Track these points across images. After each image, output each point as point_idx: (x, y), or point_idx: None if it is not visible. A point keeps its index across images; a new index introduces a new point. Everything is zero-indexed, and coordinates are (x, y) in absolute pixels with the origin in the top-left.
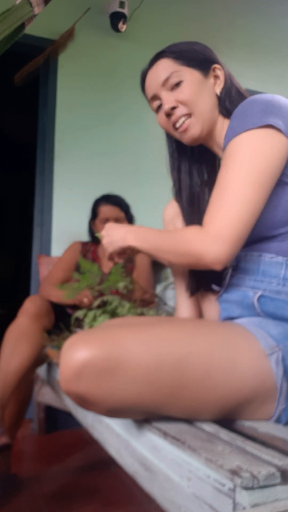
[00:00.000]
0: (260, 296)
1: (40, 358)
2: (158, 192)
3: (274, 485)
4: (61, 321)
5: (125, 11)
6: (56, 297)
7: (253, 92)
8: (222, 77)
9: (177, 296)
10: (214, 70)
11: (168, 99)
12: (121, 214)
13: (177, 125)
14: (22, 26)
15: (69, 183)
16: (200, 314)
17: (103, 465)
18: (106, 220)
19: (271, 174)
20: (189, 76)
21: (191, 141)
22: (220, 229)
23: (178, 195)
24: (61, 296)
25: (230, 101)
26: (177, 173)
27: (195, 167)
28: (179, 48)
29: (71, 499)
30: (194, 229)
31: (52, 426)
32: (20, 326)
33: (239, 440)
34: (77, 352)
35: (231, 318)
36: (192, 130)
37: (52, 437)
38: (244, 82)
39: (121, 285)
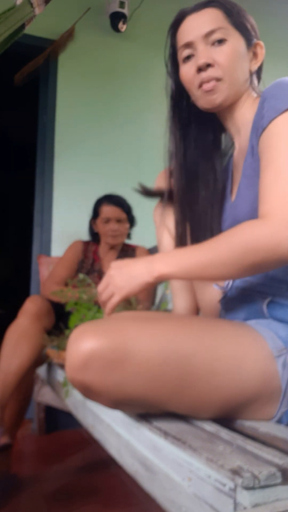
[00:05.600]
0: (270, 302)
1: (40, 358)
2: None
3: (275, 485)
4: (61, 321)
5: (125, 11)
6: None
7: None
8: (261, 57)
9: (175, 294)
10: (256, 46)
11: (206, 54)
12: (123, 215)
13: (205, 85)
14: (22, 26)
15: (69, 183)
16: (196, 310)
17: (103, 465)
18: (108, 220)
19: None
20: (235, 39)
21: (210, 106)
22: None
23: (178, 171)
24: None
25: (257, 81)
26: (179, 145)
27: (200, 140)
28: (233, 5)
29: (71, 499)
30: (251, 223)
31: (52, 426)
32: (20, 326)
33: (239, 440)
34: (85, 342)
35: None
36: (217, 93)
37: (52, 437)
38: None
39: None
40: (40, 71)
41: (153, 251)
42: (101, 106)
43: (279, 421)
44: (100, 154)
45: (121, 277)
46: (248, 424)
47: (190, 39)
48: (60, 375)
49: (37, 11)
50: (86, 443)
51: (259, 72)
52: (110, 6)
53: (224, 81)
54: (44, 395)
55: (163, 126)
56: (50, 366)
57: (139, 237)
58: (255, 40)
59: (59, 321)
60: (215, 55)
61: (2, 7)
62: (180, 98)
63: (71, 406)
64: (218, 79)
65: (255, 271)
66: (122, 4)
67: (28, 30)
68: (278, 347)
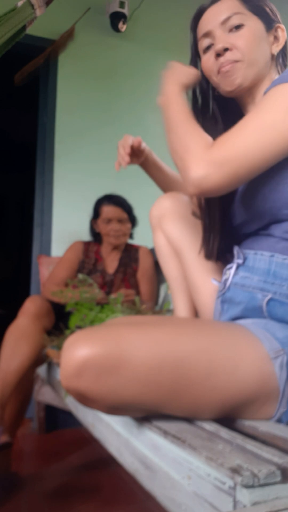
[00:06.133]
0: (270, 300)
1: (40, 358)
2: (159, 192)
3: (274, 483)
4: (61, 321)
5: (125, 11)
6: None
7: None
8: (282, 40)
9: (174, 295)
10: (276, 29)
11: (223, 38)
12: (124, 215)
13: (223, 68)
14: (23, 27)
15: (69, 183)
16: (196, 312)
17: (103, 463)
18: (109, 220)
19: None
20: (252, 23)
21: (230, 88)
22: (215, 153)
23: None
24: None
25: (282, 65)
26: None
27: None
28: None
29: (71, 497)
30: (202, 144)
31: (52, 425)
32: (20, 326)
33: (239, 439)
34: (79, 350)
35: (234, 319)
36: (236, 74)
37: (52, 436)
38: None
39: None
40: (40, 71)
41: (154, 251)
42: (101, 106)
43: (278, 421)
44: (100, 153)
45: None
46: (248, 423)
47: (208, 28)
48: (60, 375)
49: (38, 12)
50: (86, 441)
51: (284, 56)
52: (110, 6)
53: (243, 62)
54: (44, 395)
55: (163, 126)
56: (50, 366)
57: (141, 237)
58: (275, 24)
59: (59, 321)
60: (233, 40)
61: (3, 9)
62: (204, 94)
63: (71, 405)
64: (236, 61)
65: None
66: (122, 4)
67: (28, 30)
68: (274, 349)
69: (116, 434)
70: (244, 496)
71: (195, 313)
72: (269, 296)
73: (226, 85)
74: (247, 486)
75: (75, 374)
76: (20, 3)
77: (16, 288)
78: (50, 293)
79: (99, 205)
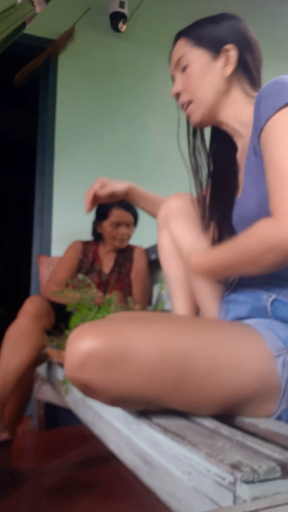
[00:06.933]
0: (274, 300)
1: (40, 358)
2: (159, 191)
3: (274, 479)
4: (61, 321)
5: (125, 11)
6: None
7: None
8: (233, 58)
9: (173, 295)
10: (226, 51)
11: (176, 84)
12: (132, 219)
13: (184, 110)
14: (23, 24)
15: (69, 183)
16: (196, 310)
17: (103, 459)
18: (118, 224)
19: None
20: (196, 59)
21: (195, 125)
22: None
23: (209, 182)
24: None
25: (246, 79)
26: (203, 159)
27: (218, 153)
28: (195, 26)
29: (71, 492)
30: (264, 224)
31: (52, 423)
32: (20, 326)
33: (239, 436)
34: (84, 342)
35: (239, 319)
36: (193, 116)
37: (52, 433)
38: None
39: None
40: (40, 71)
41: (150, 251)
42: (101, 106)
43: (279, 418)
44: (100, 154)
45: None
46: (247, 420)
47: (171, 73)
48: (60, 374)
49: (37, 9)
50: (86, 438)
51: (246, 69)
52: (110, 6)
53: (194, 102)
54: (44, 393)
55: (163, 126)
56: (50, 365)
57: (136, 237)
58: (223, 46)
59: (59, 321)
60: (184, 81)
61: (3, 6)
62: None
63: (71, 403)
64: (189, 102)
65: (279, 267)
66: (122, 4)
67: (28, 30)
68: (277, 347)
69: (116, 431)
70: (244, 491)
71: (195, 313)
72: (273, 296)
73: (192, 123)
74: (247, 482)
75: (80, 366)
76: (19, 0)
77: (16, 288)
78: (51, 293)
79: (108, 207)
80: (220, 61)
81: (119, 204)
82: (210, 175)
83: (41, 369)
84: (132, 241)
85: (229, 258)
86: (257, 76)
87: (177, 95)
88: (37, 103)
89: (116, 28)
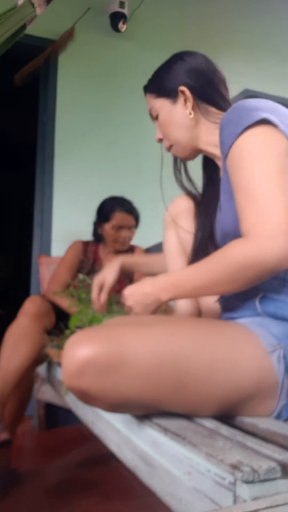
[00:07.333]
0: (262, 297)
1: (40, 358)
2: (158, 193)
3: (274, 479)
4: (61, 321)
5: (125, 11)
6: (61, 302)
7: (253, 92)
8: (189, 96)
9: None
10: (179, 93)
11: (157, 131)
12: (134, 222)
13: (169, 151)
14: (23, 26)
15: (69, 183)
16: (198, 309)
17: (103, 459)
18: (120, 227)
19: (284, 163)
20: (161, 108)
21: (185, 160)
22: (271, 227)
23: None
24: (66, 304)
25: (208, 106)
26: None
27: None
28: (153, 79)
29: (71, 492)
30: (236, 243)
31: (52, 423)
32: (20, 326)
33: (239, 436)
34: (80, 350)
35: (232, 319)
36: (179, 155)
37: (52, 433)
38: (244, 82)
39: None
40: (40, 71)
41: (150, 250)
42: (101, 106)
43: (279, 416)
44: (100, 154)
45: (136, 306)
46: (248, 420)
47: (154, 122)
48: (60, 374)
49: (38, 11)
50: (86, 439)
51: (207, 99)
52: (110, 6)
53: (174, 145)
54: (44, 393)
55: None
56: (50, 365)
57: (136, 237)
58: (176, 89)
59: (59, 321)
60: (160, 129)
61: (3, 8)
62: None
63: (71, 404)
64: (171, 145)
65: (252, 284)
66: (122, 4)
67: (28, 30)
68: (271, 343)
69: (116, 432)
70: (244, 491)
71: (198, 312)
72: (261, 293)
73: (181, 159)
74: (247, 482)
75: (77, 374)
76: (20, 2)
77: (16, 288)
78: (51, 294)
79: (110, 210)
80: (179, 103)
81: (122, 207)
82: (202, 194)
83: (41, 369)
84: (132, 241)
85: (201, 281)
86: (220, 98)
87: (160, 141)
88: (37, 103)
89: (116, 28)
